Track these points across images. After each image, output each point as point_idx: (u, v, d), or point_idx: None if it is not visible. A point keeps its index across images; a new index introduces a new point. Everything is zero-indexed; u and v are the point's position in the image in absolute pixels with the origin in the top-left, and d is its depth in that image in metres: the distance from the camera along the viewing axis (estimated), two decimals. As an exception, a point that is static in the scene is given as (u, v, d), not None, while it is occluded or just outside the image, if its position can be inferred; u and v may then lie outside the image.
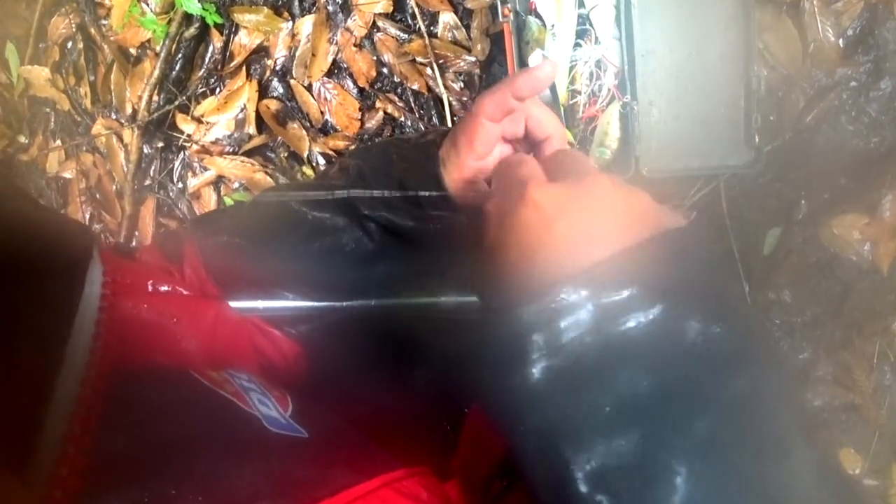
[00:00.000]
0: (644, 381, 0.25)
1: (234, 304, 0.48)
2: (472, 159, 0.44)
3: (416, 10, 1.02)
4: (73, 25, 1.22)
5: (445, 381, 0.58)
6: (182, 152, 1.21)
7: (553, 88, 0.89)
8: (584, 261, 0.28)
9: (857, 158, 0.87)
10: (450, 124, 1.05)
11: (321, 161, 1.12)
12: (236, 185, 1.19)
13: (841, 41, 0.84)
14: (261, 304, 0.50)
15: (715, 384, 0.26)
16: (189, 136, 1.18)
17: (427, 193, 0.47)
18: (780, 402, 0.27)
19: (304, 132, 1.12)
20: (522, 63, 0.93)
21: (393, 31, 1.05)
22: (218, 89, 1.17)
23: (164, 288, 0.44)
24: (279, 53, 1.11)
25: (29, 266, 0.27)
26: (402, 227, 0.48)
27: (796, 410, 0.28)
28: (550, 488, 0.27)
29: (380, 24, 1.05)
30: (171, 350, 0.40)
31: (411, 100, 1.07)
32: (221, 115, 1.16)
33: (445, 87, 1.04)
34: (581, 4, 0.87)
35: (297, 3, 1.09)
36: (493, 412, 0.30)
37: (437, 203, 0.47)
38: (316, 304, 0.51)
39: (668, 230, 0.29)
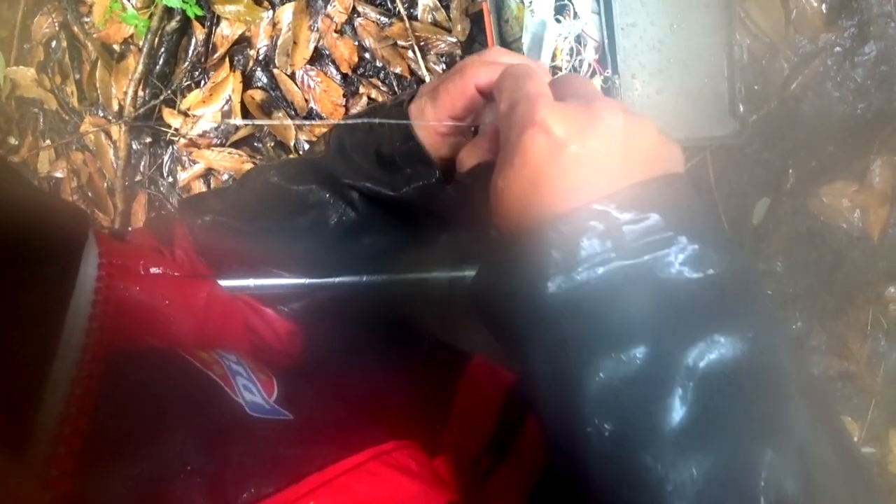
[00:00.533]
0: (653, 302, 0.26)
1: (225, 283, 0.48)
2: (450, 119, 0.43)
3: (395, -8, 1.01)
4: (56, 24, 1.22)
5: (436, 356, 0.59)
6: (170, 146, 1.22)
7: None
8: (600, 188, 0.28)
9: (843, 125, 0.85)
10: (434, 107, 1.04)
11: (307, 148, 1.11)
12: (225, 176, 1.19)
13: (824, 6, 0.83)
14: (252, 282, 0.50)
15: (721, 318, 0.26)
16: (176, 129, 1.18)
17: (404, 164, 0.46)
18: (784, 355, 0.27)
19: (289, 121, 1.11)
20: (503, 42, 0.93)
21: (373, 15, 1.04)
22: (202, 82, 1.17)
23: (155, 270, 0.45)
24: (261, 43, 1.11)
25: (25, 248, 0.27)
26: (385, 196, 0.48)
27: (797, 366, 0.28)
28: (559, 412, 0.27)
29: (360, 8, 1.04)
30: (162, 332, 0.40)
31: (394, 84, 1.07)
32: (207, 108, 1.15)
33: (428, 69, 1.03)
34: (558, -21, 0.86)
35: (276, -9, 1.09)
36: (508, 336, 0.31)
37: (416, 168, 0.46)
38: (307, 280, 0.51)
39: (674, 174, 0.30)
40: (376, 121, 0.46)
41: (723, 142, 0.91)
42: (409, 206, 0.48)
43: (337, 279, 0.52)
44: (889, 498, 0.99)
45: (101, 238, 0.35)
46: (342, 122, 0.53)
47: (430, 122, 0.43)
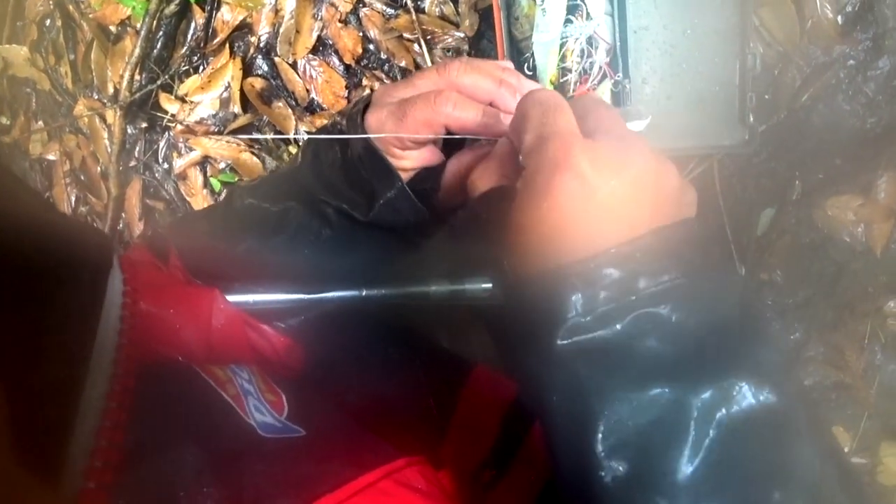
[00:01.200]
0: (669, 349, 0.27)
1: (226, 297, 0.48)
2: (410, 140, 0.42)
3: (403, -16, 0.99)
4: (51, 2, 1.18)
5: (437, 367, 0.58)
6: (166, 132, 1.19)
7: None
8: (624, 233, 0.28)
9: (852, 138, 0.85)
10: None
11: (308, 141, 1.10)
12: (222, 165, 1.17)
13: (839, 18, 0.81)
14: (251, 297, 0.49)
15: (738, 364, 0.27)
16: (173, 115, 1.16)
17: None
18: (796, 400, 0.28)
19: (289, 111, 1.09)
20: (512, 39, 0.91)
21: (379, 6, 1.02)
22: (201, 68, 1.14)
23: (156, 282, 0.44)
24: (263, 30, 1.08)
25: (53, 273, 0.27)
26: (357, 219, 0.47)
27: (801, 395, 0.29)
28: (572, 451, 0.28)
29: (365, -1, 1.02)
30: (171, 341, 0.40)
31: (399, 77, 1.05)
32: (205, 95, 1.13)
33: (433, 62, 1.01)
34: (572, -21, 0.84)
35: (279, -22, 1.06)
36: (522, 375, 0.31)
37: (380, 181, 0.44)
38: (307, 296, 0.51)
39: (689, 219, 0.30)
40: (335, 137, 0.45)
41: (731, 150, 0.90)
42: (382, 227, 0.47)
43: (337, 294, 0.51)
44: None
45: (125, 262, 0.35)
46: (311, 135, 0.53)
47: (391, 139, 0.42)
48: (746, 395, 0.26)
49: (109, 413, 0.26)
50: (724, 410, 0.26)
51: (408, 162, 0.44)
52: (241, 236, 0.50)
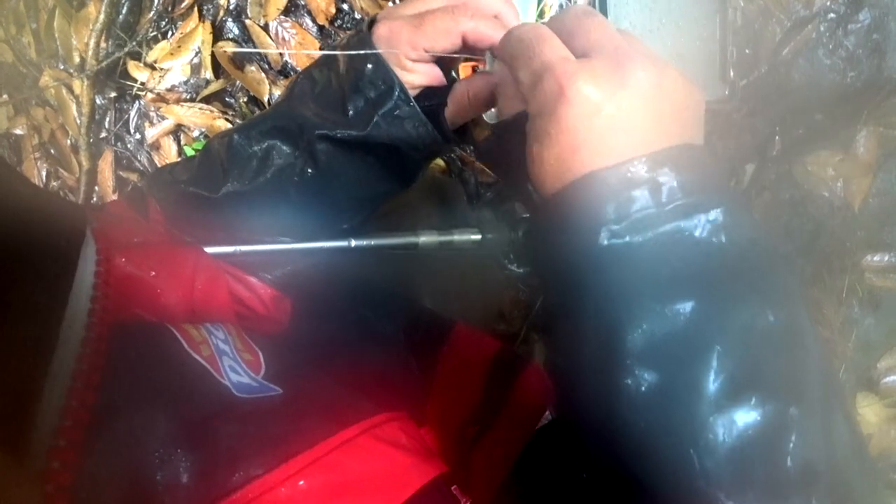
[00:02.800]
0: (699, 261, 0.27)
1: (210, 249, 0.47)
2: (425, 50, 0.43)
3: (375, -60, 0.96)
4: (8, -34, 1.13)
5: (419, 323, 0.58)
6: (137, 101, 1.15)
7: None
8: (638, 146, 0.29)
9: (833, 93, 0.84)
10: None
11: (283, 108, 1.07)
12: (196, 133, 1.14)
13: (821, -33, 0.80)
14: (237, 248, 0.49)
15: (761, 283, 0.28)
16: (143, 84, 1.12)
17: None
18: (809, 327, 0.28)
19: (262, 75, 1.06)
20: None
21: (351, -36, 0.98)
22: (170, 33, 1.10)
23: (137, 239, 0.43)
24: (232, -8, 1.04)
25: (23, 247, 0.27)
26: (352, 139, 0.46)
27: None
28: (599, 362, 0.28)
29: (337, -43, 0.98)
30: (151, 303, 0.39)
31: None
32: (175, 61, 1.09)
33: (409, 25, 0.98)
34: (548, -69, 0.82)
35: (247, -64, 1.02)
36: (553, 286, 0.32)
37: (380, 91, 0.44)
38: (294, 245, 0.50)
39: (696, 144, 0.30)
40: (348, 53, 0.44)
41: (711, 106, 0.90)
42: (378, 148, 0.47)
43: (324, 244, 0.51)
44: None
45: (99, 234, 0.35)
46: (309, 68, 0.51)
47: (404, 48, 0.42)
48: (769, 315, 0.26)
49: (80, 374, 0.27)
50: (749, 326, 0.26)
51: (416, 77, 0.44)
52: (221, 181, 0.49)
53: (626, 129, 0.29)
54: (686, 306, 0.26)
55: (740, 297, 0.27)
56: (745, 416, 0.25)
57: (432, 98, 0.46)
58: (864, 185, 0.87)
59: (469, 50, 0.42)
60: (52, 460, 0.23)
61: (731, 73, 0.84)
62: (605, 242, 0.28)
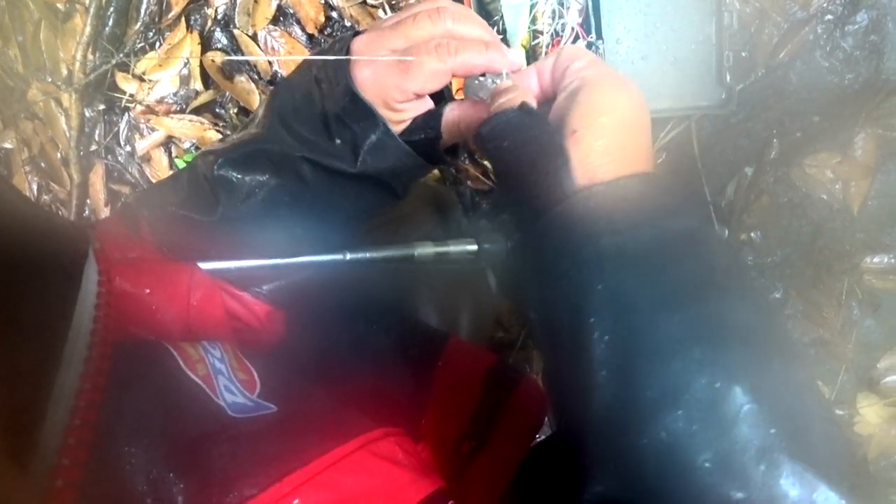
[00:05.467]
0: (689, 271, 0.30)
1: (206, 265, 0.46)
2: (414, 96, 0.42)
3: (363, -53, 0.94)
4: (-9, -22, 1.11)
5: (414, 337, 0.57)
6: (126, 114, 1.14)
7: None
8: (631, 167, 0.33)
9: (831, 95, 0.83)
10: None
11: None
12: (187, 144, 1.13)
13: (817, -31, 0.79)
14: (233, 264, 0.48)
15: (732, 282, 0.30)
16: (132, 95, 1.10)
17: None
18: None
19: (252, 85, 1.05)
20: (480, 1, 0.87)
21: (340, -29, 0.97)
22: (157, 44, 1.09)
23: (132, 255, 0.43)
24: (219, 1, 1.03)
25: (28, 266, 0.28)
26: (341, 171, 0.45)
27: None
28: (568, 336, 0.30)
29: (325, -36, 0.97)
30: (148, 321, 0.40)
31: (365, 47, 1.00)
32: (164, 72, 1.08)
33: (400, 32, 0.97)
34: (539, -63, 0.80)
35: (232, -56, 1.00)
36: (555, 292, 0.32)
37: (363, 124, 0.43)
38: (290, 260, 0.50)
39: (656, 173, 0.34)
40: (328, 58, 0.42)
41: (708, 111, 0.88)
42: (367, 178, 0.46)
43: (319, 258, 0.50)
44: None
45: (101, 255, 0.36)
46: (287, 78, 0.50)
47: (393, 94, 0.41)
48: (746, 316, 0.29)
49: (84, 393, 0.27)
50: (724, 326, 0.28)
51: (407, 114, 0.44)
52: (213, 204, 0.47)
53: (640, 146, 0.34)
54: (665, 314, 0.28)
55: (711, 299, 0.29)
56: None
57: (420, 129, 0.45)
58: (863, 187, 0.86)
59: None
60: (55, 478, 0.24)
61: (728, 77, 0.83)
62: (608, 247, 0.30)
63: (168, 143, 1.14)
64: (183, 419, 0.31)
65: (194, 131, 1.10)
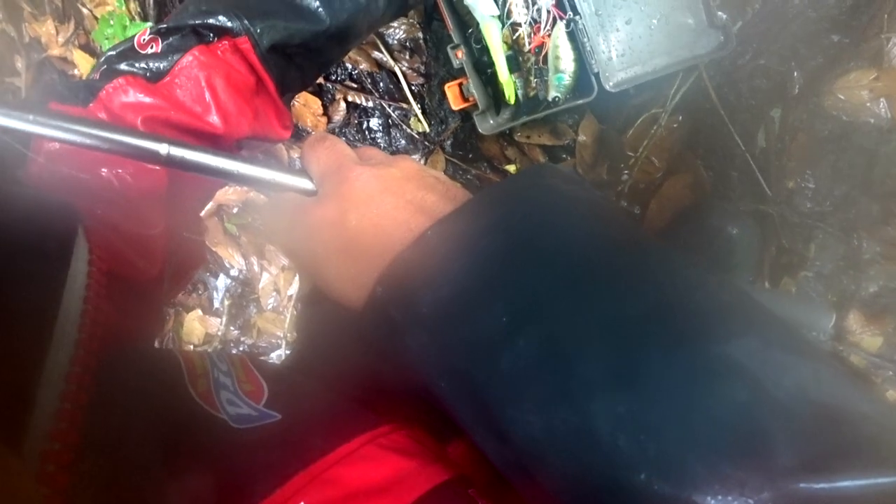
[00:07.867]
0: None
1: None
2: None
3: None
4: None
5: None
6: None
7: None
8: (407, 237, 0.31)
9: (842, 7, 0.75)
10: (408, 94, 1.02)
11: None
12: (235, 210, 1.22)
13: None
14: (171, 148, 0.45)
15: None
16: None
17: None
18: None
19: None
20: (457, 16, 0.89)
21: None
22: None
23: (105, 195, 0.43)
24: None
25: (14, 245, 0.27)
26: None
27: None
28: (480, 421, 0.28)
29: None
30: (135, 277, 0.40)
31: (367, 81, 1.05)
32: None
33: (394, 58, 1.01)
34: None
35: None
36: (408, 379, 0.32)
37: None
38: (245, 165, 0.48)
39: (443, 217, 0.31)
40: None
41: (709, 57, 0.83)
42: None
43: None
44: None
45: (91, 231, 0.36)
46: None
47: None
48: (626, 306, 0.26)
49: (74, 376, 0.26)
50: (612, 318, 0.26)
51: None
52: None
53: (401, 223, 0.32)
54: (532, 337, 0.27)
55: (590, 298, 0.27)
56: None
57: None
58: (910, 97, 0.76)
59: None
60: (47, 463, 0.23)
61: (722, 17, 0.78)
62: (411, 343, 0.29)
63: (219, 210, 1.24)
64: (181, 433, 0.31)
65: (238, 196, 1.19)
